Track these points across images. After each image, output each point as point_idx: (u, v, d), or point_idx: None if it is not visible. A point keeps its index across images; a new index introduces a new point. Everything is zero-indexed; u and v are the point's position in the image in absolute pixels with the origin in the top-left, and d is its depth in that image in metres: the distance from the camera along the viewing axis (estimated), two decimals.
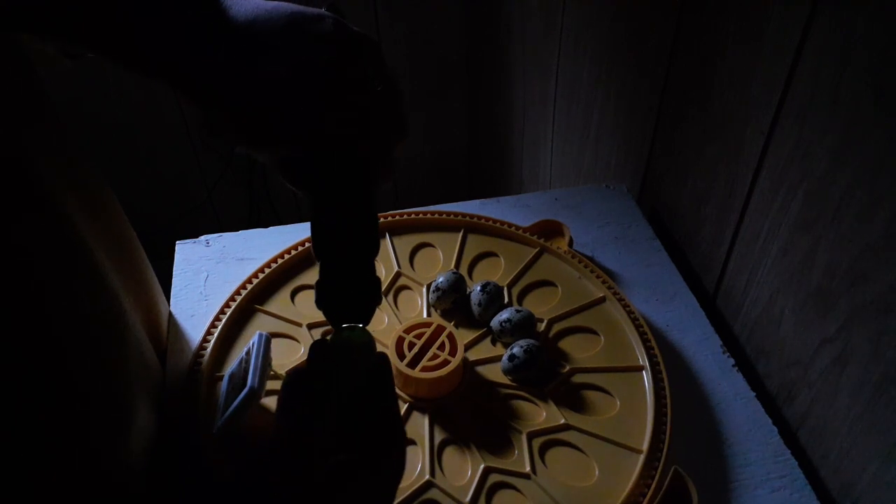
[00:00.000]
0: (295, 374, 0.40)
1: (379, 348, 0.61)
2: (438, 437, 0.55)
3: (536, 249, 0.70)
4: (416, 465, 0.53)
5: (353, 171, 0.44)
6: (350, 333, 0.45)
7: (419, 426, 0.56)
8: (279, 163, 0.44)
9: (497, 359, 0.60)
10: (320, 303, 0.45)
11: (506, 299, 0.65)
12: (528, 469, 0.53)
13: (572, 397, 0.58)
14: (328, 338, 0.45)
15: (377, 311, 0.64)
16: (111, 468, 0.40)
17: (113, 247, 0.52)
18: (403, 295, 0.66)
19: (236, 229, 0.75)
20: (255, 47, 0.39)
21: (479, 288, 0.63)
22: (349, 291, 0.45)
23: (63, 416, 0.35)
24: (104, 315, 0.43)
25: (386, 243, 0.70)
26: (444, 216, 0.72)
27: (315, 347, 0.43)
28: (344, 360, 0.43)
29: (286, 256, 0.67)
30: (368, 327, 0.46)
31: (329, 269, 0.45)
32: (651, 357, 0.60)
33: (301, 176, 0.44)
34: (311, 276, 0.67)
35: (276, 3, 0.41)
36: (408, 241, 0.71)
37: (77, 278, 0.41)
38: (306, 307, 0.64)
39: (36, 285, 0.34)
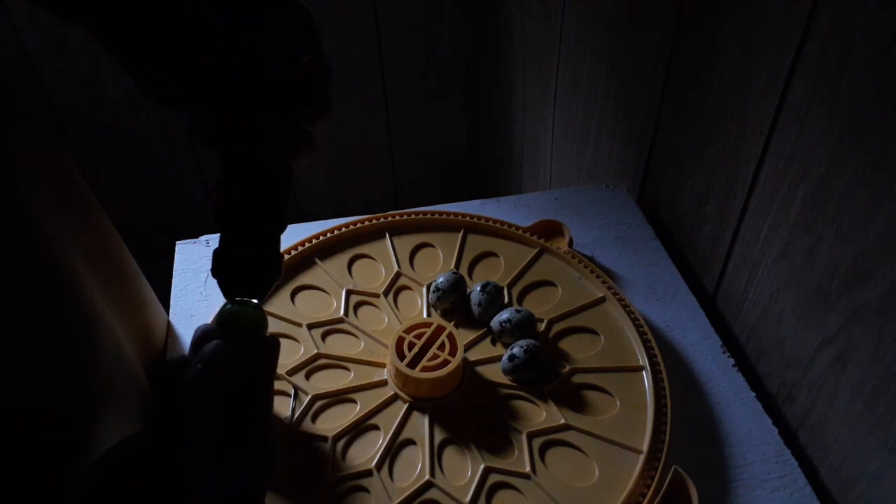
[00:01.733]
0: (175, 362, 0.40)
1: (379, 349, 0.61)
2: (438, 437, 0.55)
3: (536, 249, 0.70)
4: (416, 465, 0.54)
5: (268, 139, 0.42)
6: (239, 308, 0.41)
7: (419, 426, 0.56)
8: (194, 121, 0.42)
9: (497, 359, 0.60)
10: (215, 271, 0.42)
11: (506, 299, 0.65)
12: (528, 469, 0.53)
13: (572, 397, 0.58)
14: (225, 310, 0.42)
15: (377, 311, 0.65)
16: (71, 482, 0.39)
17: (94, 255, 0.52)
18: (403, 295, 0.66)
19: None
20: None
21: (479, 288, 0.63)
22: (248, 262, 0.42)
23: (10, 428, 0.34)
24: (70, 324, 0.42)
25: (386, 243, 0.70)
26: (444, 216, 0.72)
27: (198, 331, 0.41)
28: (227, 336, 0.40)
29: (286, 257, 0.67)
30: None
31: (230, 237, 0.42)
32: (651, 357, 0.60)
33: (213, 137, 0.42)
34: (311, 276, 0.67)
35: None
36: (408, 241, 0.71)
37: (39, 284, 0.40)
38: (306, 307, 0.64)
39: None
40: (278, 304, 0.64)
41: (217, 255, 0.42)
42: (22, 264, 0.38)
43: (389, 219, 0.72)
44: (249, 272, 0.43)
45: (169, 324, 0.65)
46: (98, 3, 0.37)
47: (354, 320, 0.64)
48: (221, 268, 0.42)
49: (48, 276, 0.40)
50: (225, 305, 0.42)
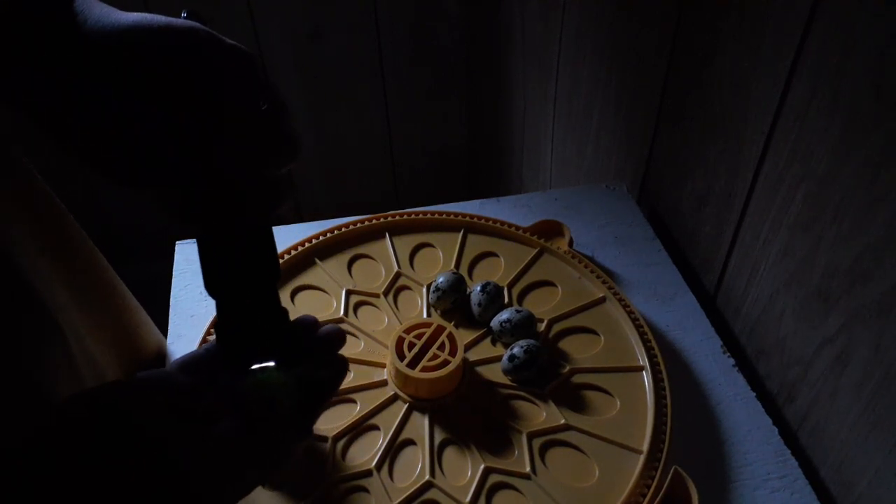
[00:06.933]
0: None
1: (379, 349, 0.61)
2: (438, 437, 0.55)
3: (536, 249, 0.70)
4: (416, 466, 0.54)
5: (242, 202, 0.39)
6: (263, 376, 0.39)
7: (419, 426, 0.56)
8: (155, 199, 0.39)
9: (497, 359, 0.60)
10: (224, 347, 0.39)
11: (506, 299, 0.65)
12: (528, 469, 0.53)
13: (572, 397, 0.58)
14: (246, 380, 0.39)
15: (377, 311, 0.65)
16: None
17: (64, 265, 0.50)
18: (403, 295, 0.66)
19: None
20: (119, 77, 0.34)
21: (479, 288, 0.63)
22: (256, 328, 0.40)
23: None
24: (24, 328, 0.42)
25: (386, 243, 0.70)
26: (444, 216, 0.72)
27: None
28: (264, 404, 0.38)
29: (286, 257, 0.67)
30: None
31: (229, 307, 0.40)
32: (651, 357, 0.60)
33: (185, 212, 0.39)
34: (311, 276, 0.67)
35: (136, 17, 0.35)
36: (408, 241, 0.71)
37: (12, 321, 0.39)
38: (306, 307, 0.64)
39: None
40: None
41: (220, 329, 0.40)
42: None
43: (389, 219, 0.72)
44: (261, 337, 0.40)
45: (168, 317, 0.65)
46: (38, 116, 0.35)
47: (354, 320, 0.64)
48: (231, 342, 0.40)
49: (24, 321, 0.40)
50: (248, 377, 0.39)
